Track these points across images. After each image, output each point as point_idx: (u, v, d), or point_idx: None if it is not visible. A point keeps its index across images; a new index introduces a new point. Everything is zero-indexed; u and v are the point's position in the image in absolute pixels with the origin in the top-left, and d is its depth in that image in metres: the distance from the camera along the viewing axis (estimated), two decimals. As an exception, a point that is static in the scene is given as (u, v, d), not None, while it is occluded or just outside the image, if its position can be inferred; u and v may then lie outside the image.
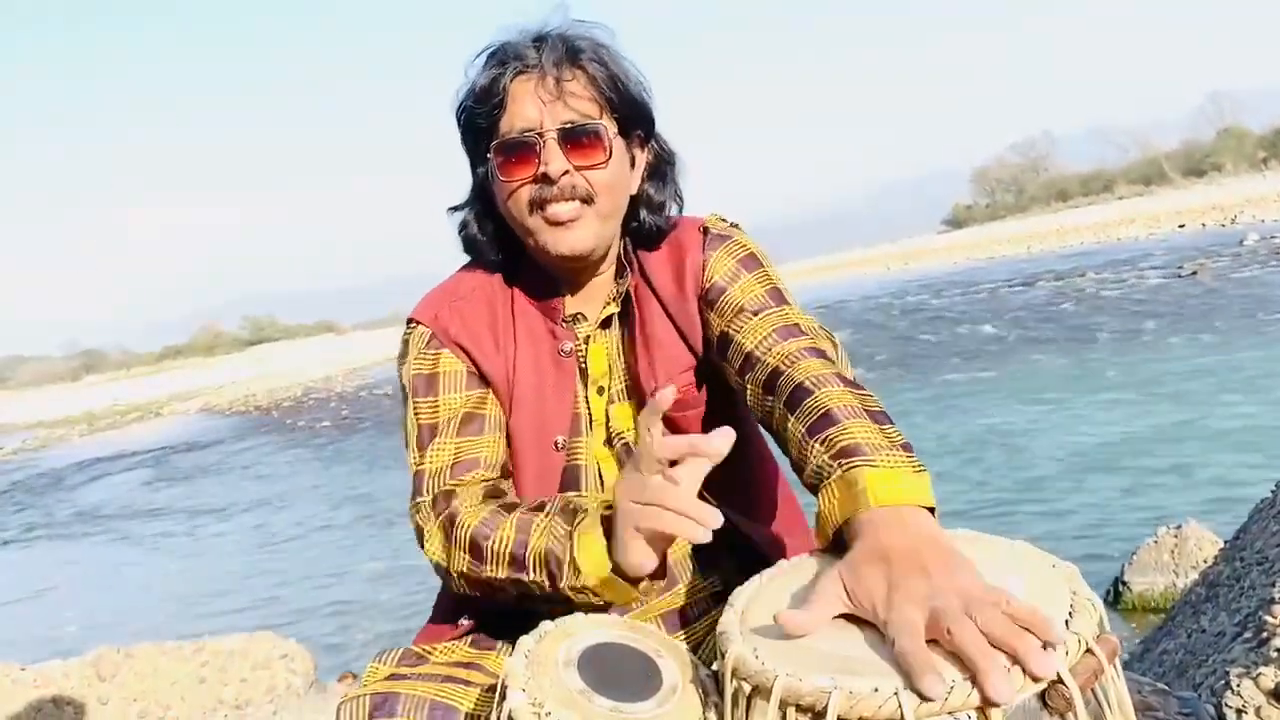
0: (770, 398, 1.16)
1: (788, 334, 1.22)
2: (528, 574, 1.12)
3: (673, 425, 1.32)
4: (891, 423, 1.05)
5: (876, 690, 0.74)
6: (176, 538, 9.76)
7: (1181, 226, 28.74)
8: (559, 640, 0.94)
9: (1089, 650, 0.76)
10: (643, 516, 0.99)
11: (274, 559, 7.90)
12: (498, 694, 0.89)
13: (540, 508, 1.16)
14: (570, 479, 1.33)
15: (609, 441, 1.34)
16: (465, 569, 1.18)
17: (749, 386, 1.21)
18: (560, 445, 1.31)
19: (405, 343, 1.36)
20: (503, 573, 1.14)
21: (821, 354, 1.19)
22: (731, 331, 1.26)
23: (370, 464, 12.31)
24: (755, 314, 1.26)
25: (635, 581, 1.06)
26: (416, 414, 1.30)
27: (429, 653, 1.24)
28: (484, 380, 1.32)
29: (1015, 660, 0.74)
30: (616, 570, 1.05)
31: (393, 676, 1.15)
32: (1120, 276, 18.38)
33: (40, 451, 23.77)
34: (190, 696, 3.89)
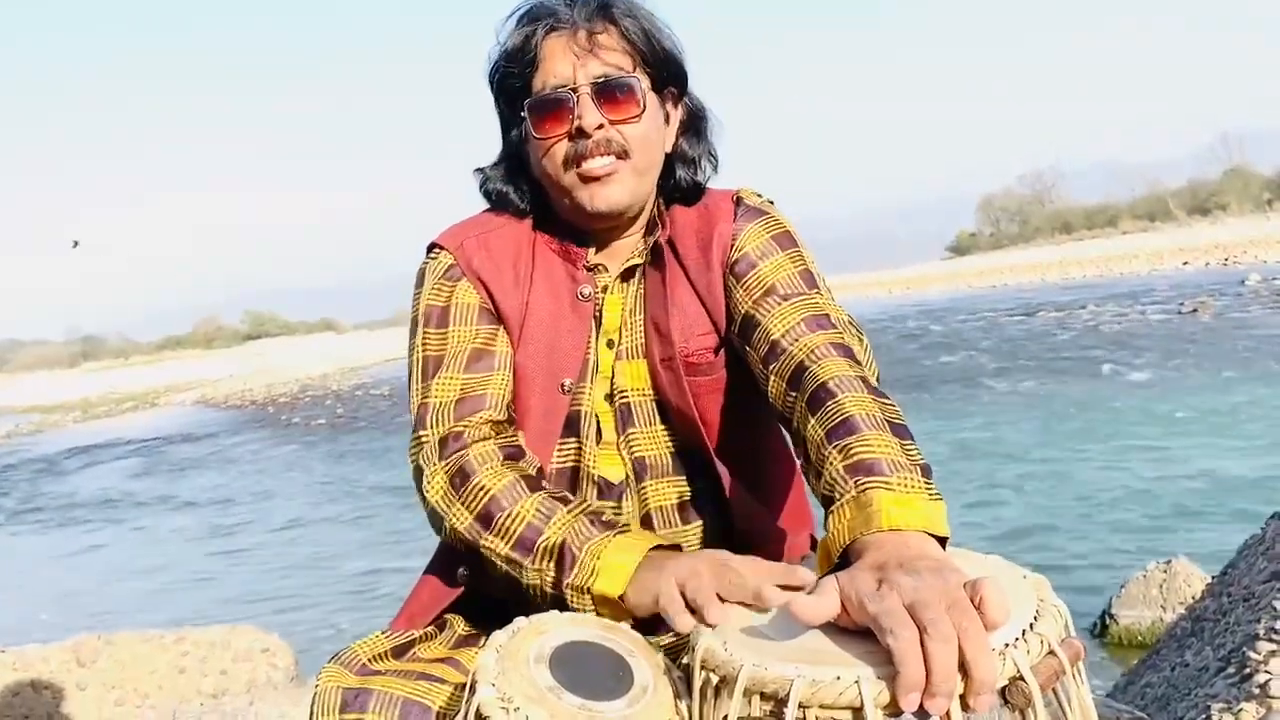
0: (793, 393, 1.13)
1: (816, 325, 1.19)
2: (531, 560, 1.11)
3: (684, 388, 1.29)
4: (912, 438, 1.02)
5: (838, 679, 0.75)
6: (165, 527, 9.74)
7: (1185, 264, 28.81)
8: (531, 637, 0.94)
9: (1051, 651, 0.77)
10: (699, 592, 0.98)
11: (262, 553, 7.89)
12: (467, 687, 0.88)
13: (564, 500, 1.16)
14: (572, 423, 1.31)
15: (610, 397, 1.32)
16: (465, 529, 1.17)
17: (772, 378, 1.18)
18: (567, 388, 1.30)
19: (422, 272, 1.34)
20: (504, 549, 1.13)
21: (849, 352, 1.16)
22: (759, 315, 1.23)
23: (363, 463, 12.29)
24: (785, 298, 1.23)
25: (632, 616, 1.06)
26: (424, 345, 1.29)
27: (410, 643, 1.23)
28: (497, 316, 1.31)
29: (964, 677, 0.74)
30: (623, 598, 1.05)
31: (367, 671, 1.14)
32: (1121, 311, 18.40)
33: (34, 436, 23.75)
34: (168, 686, 3.87)
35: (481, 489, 1.16)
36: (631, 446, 1.31)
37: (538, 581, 1.12)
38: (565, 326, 1.31)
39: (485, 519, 1.15)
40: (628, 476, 1.31)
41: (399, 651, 1.21)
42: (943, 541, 0.92)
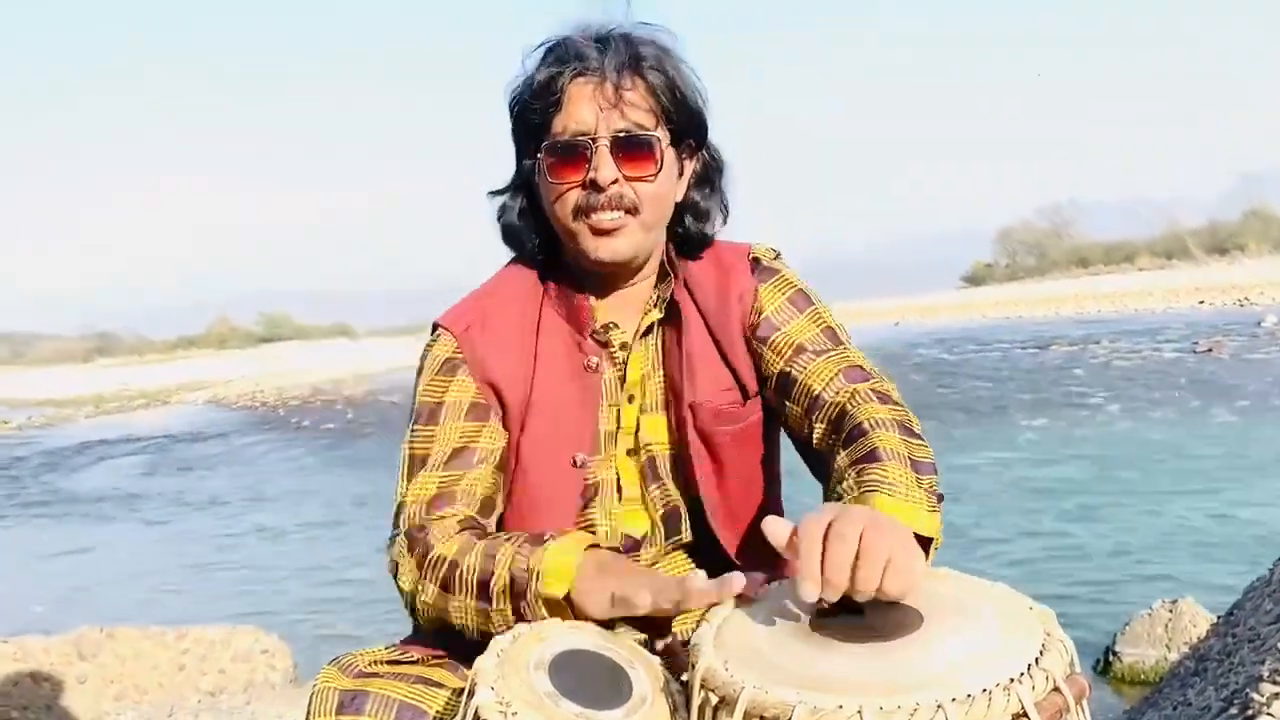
0: (834, 435, 1.21)
1: (853, 376, 1.26)
2: (493, 604, 1.11)
3: (707, 439, 1.31)
4: (933, 474, 1.10)
5: (840, 708, 0.75)
6: (170, 525, 9.75)
7: (1201, 303, 28.67)
8: (532, 643, 0.95)
9: (1056, 688, 0.76)
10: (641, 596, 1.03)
11: (266, 555, 7.88)
12: (466, 691, 0.89)
13: (510, 538, 1.15)
14: (587, 497, 1.31)
15: (635, 450, 1.34)
16: (433, 599, 1.16)
17: (817, 425, 1.24)
18: (578, 462, 1.30)
19: (425, 355, 1.34)
20: (471, 602, 1.13)
21: (886, 397, 1.22)
22: (794, 372, 1.28)
23: (371, 469, 12.27)
24: (818, 355, 1.29)
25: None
26: (412, 442, 1.29)
27: (410, 661, 1.22)
28: (495, 402, 1.30)
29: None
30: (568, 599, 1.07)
31: (364, 674, 1.14)
32: (1135, 347, 18.30)
33: (45, 429, 23.80)
34: (168, 683, 3.88)
35: (440, 559, 1.16)
36: (659, 499, 1.34)
37: (504, 624, 1.11)
38: (572, 400, 1.31)
39: (447, 584, 1.14)
40: (653, 528, 1.33)
41: (397, 665, 1.21)
42: (926, 544, 0.99)
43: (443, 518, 1.22)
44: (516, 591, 1.09)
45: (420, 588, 1.17)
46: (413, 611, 1.22)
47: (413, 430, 1.29)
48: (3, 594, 7.25)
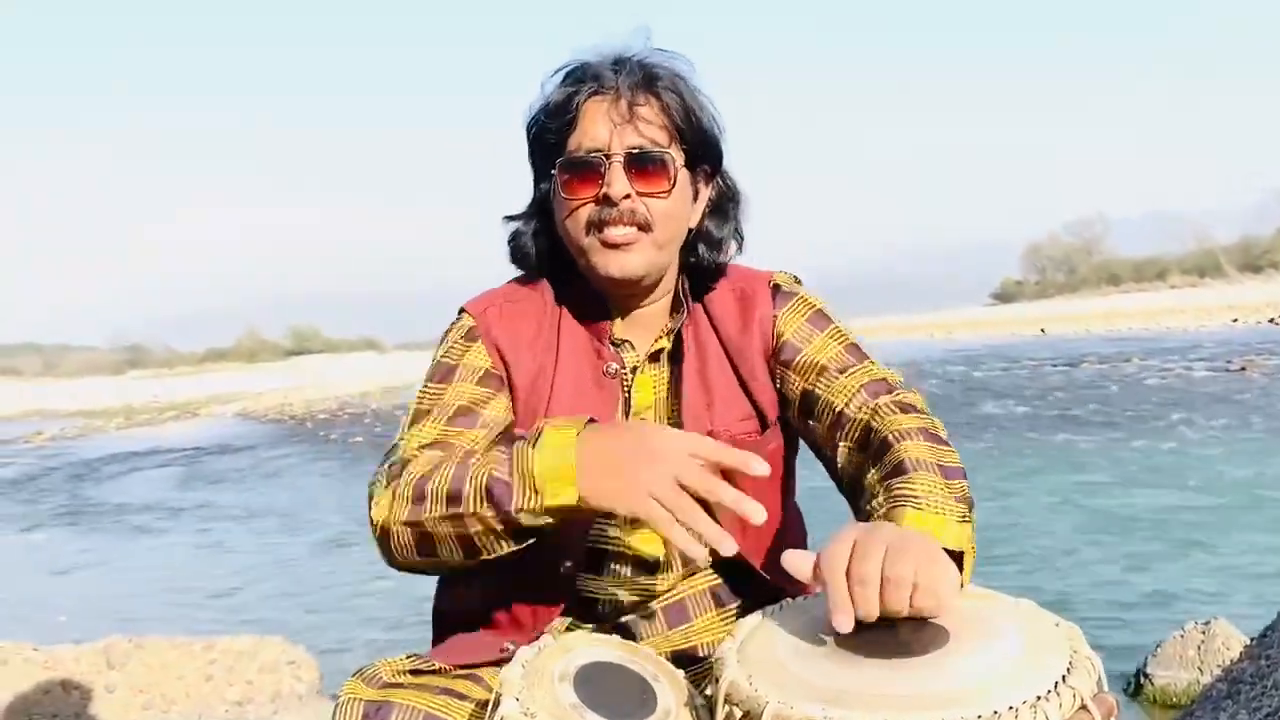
0: (861, 453, 1.21)
1: (876, 390, 1.26)
2: (466, 507, 1.07)
3: (725, 471, 1.31)
4: (963, 478, 1.10)
5: None
6: (197, 536, 9.82)
7: (1234, 320, 28.37)
8: (557, 655, 0.95)
9: (1084, 706, 0.76)
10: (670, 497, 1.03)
11: (293, 567, 7.93)
12: (492, 701, 0.89)
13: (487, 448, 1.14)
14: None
15: None
16: (407, 517, 1.12)
17: (841, 445, 1.24)
18: None
19: (447, 330, 1.37)
20: (440, 510, 1.09)
21: (910, 408, 1.23)
22: (818, 391, 1.29)
23: (397, 482, 12.29)
24: (841, 372, 1.29)
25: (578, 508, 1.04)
26: (421, 397, 1.30)
27: (433, 671, 1.22)
28: (503, 383, 1.31)
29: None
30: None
31: (388, 685, 1.14)
32: (1166, 365, 18.13)
33: (76, 440, 24.06)
34: (195, 693, 3.90)
35: (412, 475, 1.14)
36: None
37: (481, 527, 1.08)
38: (590, 405, 1.31)
39: (419, 497, 1.12)
40: (670, 554, 1.31)
41: (419, 675, 1.21)
42: (959, 558, 0.99)
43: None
44: (494, 496, 1.05)
45: (394, 512, 1.13)
46: (385, 552, 1.18)
47: (424, 387, 1.30)
48: (31, 602, 7.32)
